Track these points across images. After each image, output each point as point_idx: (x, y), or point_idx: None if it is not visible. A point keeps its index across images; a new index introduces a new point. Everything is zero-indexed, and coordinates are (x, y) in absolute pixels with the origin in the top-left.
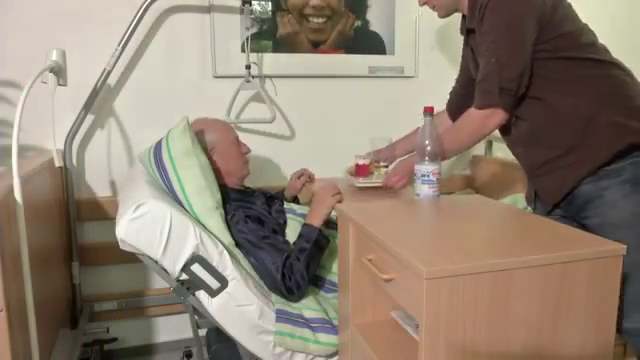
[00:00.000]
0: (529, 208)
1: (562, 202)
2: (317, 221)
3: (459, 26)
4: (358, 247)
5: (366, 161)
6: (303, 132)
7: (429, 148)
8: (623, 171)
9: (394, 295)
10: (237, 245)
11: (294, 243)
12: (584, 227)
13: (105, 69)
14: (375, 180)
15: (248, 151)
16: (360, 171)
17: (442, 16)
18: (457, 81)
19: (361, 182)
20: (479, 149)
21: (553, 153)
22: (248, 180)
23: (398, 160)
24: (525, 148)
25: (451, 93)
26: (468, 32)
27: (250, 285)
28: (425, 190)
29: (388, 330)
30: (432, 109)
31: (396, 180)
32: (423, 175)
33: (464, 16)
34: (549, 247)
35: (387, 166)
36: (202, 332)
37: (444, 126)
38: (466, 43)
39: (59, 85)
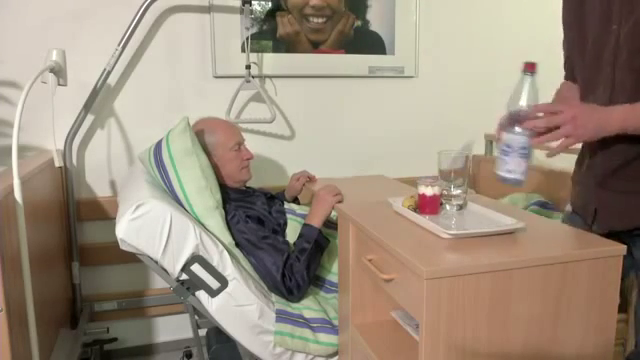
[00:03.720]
0: (531, 207)
1: (626, 233)
2: (317, 221)
3: (455, 27)
4: (358, 247)
5: (436, 190)
6: (303, 132)
7: (523, 113)
8: None
9: (394, 295)
10: (237, 245)
11: (294, 243)
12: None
13: (105, 69)
14: (483, 229)
15: (250, 157)
16: (426, 205)
17: None
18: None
19: (453, 231)
20: (479, 149)
21: None
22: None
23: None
24: (604, 150)
25: (567, 64)
26: None
27: (250, 285)
28: (522, 167)
29: (388, 330)
30: (534, 66)
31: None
32: (522, 147)
33: None
34: (549, 247)
35: (465, 192)
36: (202, 332)
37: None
38: None
39: (59, 85)
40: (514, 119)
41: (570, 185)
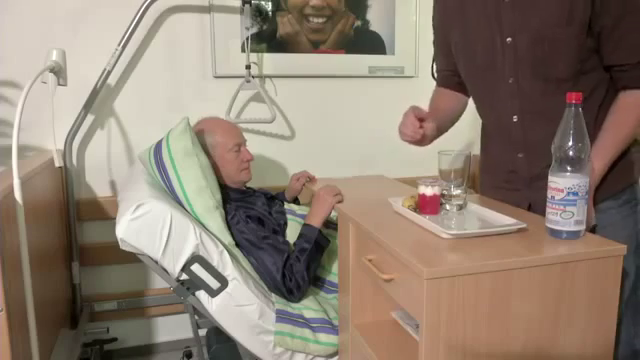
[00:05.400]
0: None
1: None
2: (317, 221)
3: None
4: (358, 247)
5: (436, 190)
6: (303, 132)
7: (571, 153)
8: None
9: (394, 295)
10: (237, 245)
11: (294, 243)
12: None
13: (105, 69)
14: (483, 229)
15: (250, 159)
16: (426, 205)
17: None
18: (444, 54)
19: (453, 231)
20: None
21: None
22: None
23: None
24: (528, 154)
25: (442, 70)
26: None
27: (250, 285)
28: (586, 212)
29: (388, 330)
30: (579, 97)
31: None
32: (587, 192)
33: None
34: (549, 247)
35: (465, 192)
36: (202, 332)
37: (450, 101)
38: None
39: (59, 85)
40: (567, 160)
41: None
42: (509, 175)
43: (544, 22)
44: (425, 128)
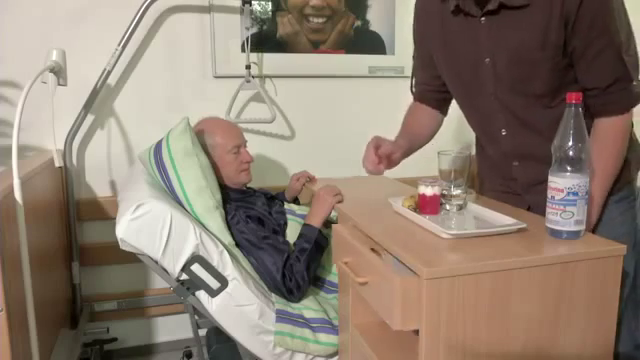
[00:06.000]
0: None
1: None
2: (317, 221)
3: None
4: None
5: (436, 190)
6: (303, 132)
7: (571, 153)
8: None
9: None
10: (237, 245)
11: (294, 243)
12: None
13: (105, 69)
14: (483, 229)
15: (249, 161)
16: (426, 205)
17: None
18: (423, 68)
19: (453, 231)
20: None
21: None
22: None
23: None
24: (523, 162)
25: (420, 84)
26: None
27: (250, 285)
28: (586, 212)
29: (388, 330)
30: (579, 97)
31: None
32: (587, 191)
33: None
34: (549, 247)
35: (465, 192)
36: (202, 332)
37: (424, 121)
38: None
39: (59, 85)
40: (567, 160)
41: None
42: (506, 181)
43: (520, 45)
44: (390, 162)
